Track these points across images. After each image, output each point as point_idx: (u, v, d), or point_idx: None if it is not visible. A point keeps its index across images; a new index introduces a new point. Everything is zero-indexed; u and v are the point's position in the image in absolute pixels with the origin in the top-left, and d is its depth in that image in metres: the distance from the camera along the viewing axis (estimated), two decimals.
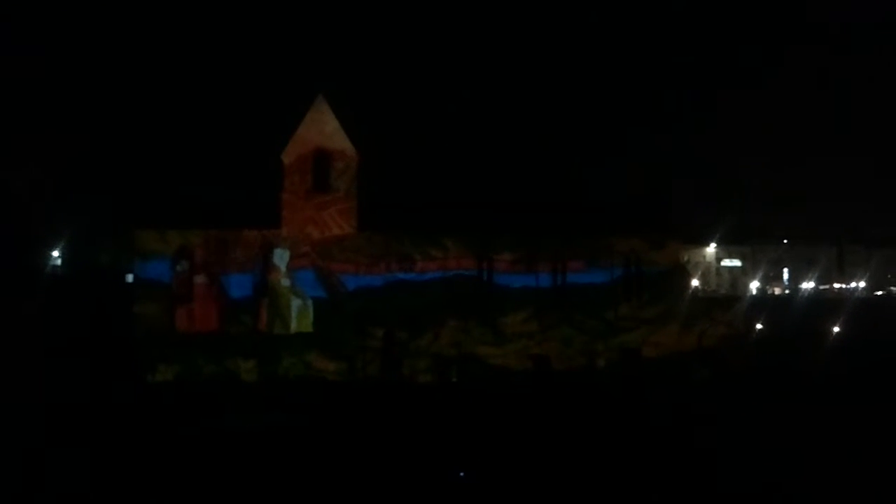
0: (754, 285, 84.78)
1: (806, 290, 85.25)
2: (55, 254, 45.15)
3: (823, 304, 56.04)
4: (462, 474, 16.61)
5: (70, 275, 42.91)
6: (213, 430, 20.43)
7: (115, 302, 30.96)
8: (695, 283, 54.51)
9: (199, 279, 29.07)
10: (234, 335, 28.69)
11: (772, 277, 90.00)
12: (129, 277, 31.76)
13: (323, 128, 30.10)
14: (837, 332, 39.21)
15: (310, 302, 29.32)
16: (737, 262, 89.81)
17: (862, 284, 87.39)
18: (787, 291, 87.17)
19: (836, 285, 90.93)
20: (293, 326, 29.08)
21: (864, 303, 61.39)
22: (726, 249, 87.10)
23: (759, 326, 35.26)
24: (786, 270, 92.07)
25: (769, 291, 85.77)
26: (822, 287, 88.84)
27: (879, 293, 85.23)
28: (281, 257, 29.41)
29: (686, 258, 53.56)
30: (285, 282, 29.29)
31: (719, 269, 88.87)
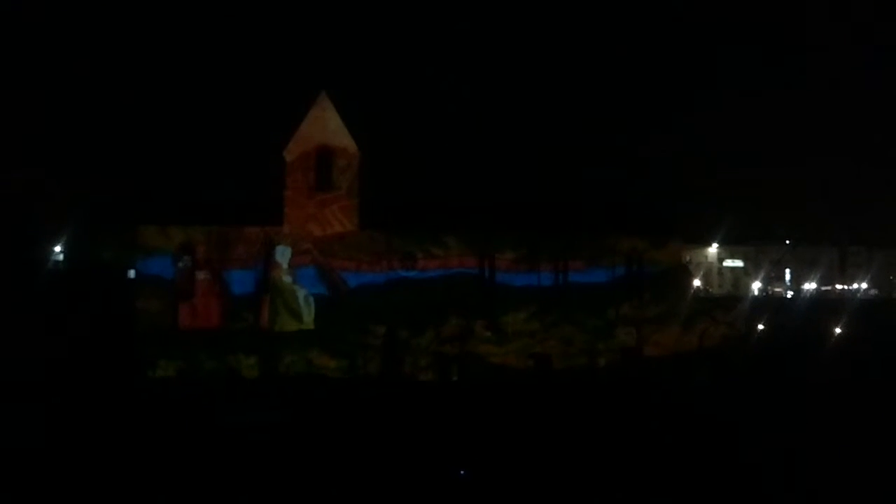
0: (756, 286, 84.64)
1: (808, 290, 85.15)
2: (57, 250, 45.18)
3: (825, 305, 55.94)
4: (462, 472, 16.62)
5: (72, 271, 42.92)
6: (214, 426, 20.46)
7: (118, 298, 30.99)
8: (696, 283, 54.47)
9: (201, 275, 29.12)
10: (236, 332, 28.72)
11: (774, 278, 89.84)
12: (132, 273, 31.79)
13: (325, 125, 30.12)
14: (839, 333, 39.15)
15: (311, 299, 29.36)
16: (739, 263, 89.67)
17: (864, 285, 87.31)
18: (788, 292, 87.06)
19: (838, 286, 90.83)
20: (305, 318, 29.11)
21: (866, 304, 61.29)
22: (728, 249, 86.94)
23: (760, 327, 35.28)
24: (788, 271, 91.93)
25: (771, 292, 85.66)
26: (824, 288, 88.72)
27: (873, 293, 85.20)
28: (283, 254, 29.45)
29: (688, 258, 53.56)
30: (287, 278, 29.33)
31: (721, 270, 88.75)
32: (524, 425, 21.16)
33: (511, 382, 28.03)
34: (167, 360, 27.78)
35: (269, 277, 29.30)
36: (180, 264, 29.38)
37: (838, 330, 39.52)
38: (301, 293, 29.29)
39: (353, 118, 30.69)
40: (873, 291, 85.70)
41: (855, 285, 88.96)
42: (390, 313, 29.10)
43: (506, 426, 20.94)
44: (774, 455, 18.35)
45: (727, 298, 54.64)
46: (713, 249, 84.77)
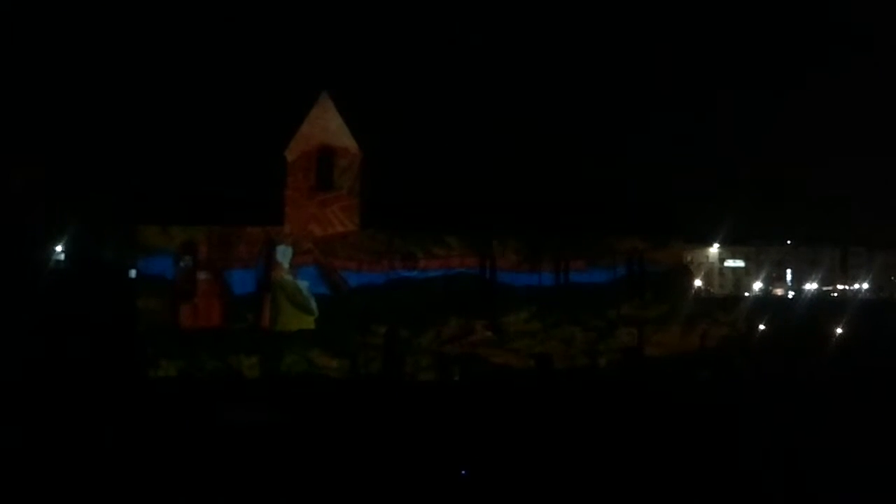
0: (757, 286, 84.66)
1: (809, 291, 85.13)
2: (58, 249, 45.23)
3: (826, 306, 55.94)
4: (464, 472, 16.61)
5: (73, 270, 42.97)
6: (215, 427, 20.45)
7: (118, 297, 31.00)
8: (698, 283, 54.44)
9: (202, 275, 29.08)
10: (237, 331, 28.69)
11: (775, 278, 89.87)
12: (132, 273, 31.79)
13: (326, 125, 30.09)
14: (840, 334, 39.15)
15: (312, 299, 29.35)
16: (740, 263, 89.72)
17: (865, 286, 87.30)
18: (790, 292, 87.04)
19: (840, 287, 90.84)
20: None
21: (866, 305, 61.28)
22: (729, 250, 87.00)
23: (761, 327, 35.25)
24: (789, 271, 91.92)
25: (772, 292, 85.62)
26: (825, 288, 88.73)
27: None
28: (284, 254, 29.43)
29: (689, 258, 53.50)
30: (288, 278, 29.32)
31: (722, 270, 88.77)
32: (525, 425, 21.15)
33: (512, 382, 28.02)
34: (168, 359, 27.74)
35: (271, 277, 29.30)
36: (181, 264, 29.36)
37: (839, 330, 39.53)
38: (304, 285, 29.30)
39: (355, 118, 30.69)
40: (882, 293, 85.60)
41: (856, 286, 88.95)
42: (391, 313, 29.07)
43: (507, 426, 20.93)
44: (775, 455, 18.34)
45: (728, 299, 54.63)
46: (714, 249, 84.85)
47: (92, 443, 18.65)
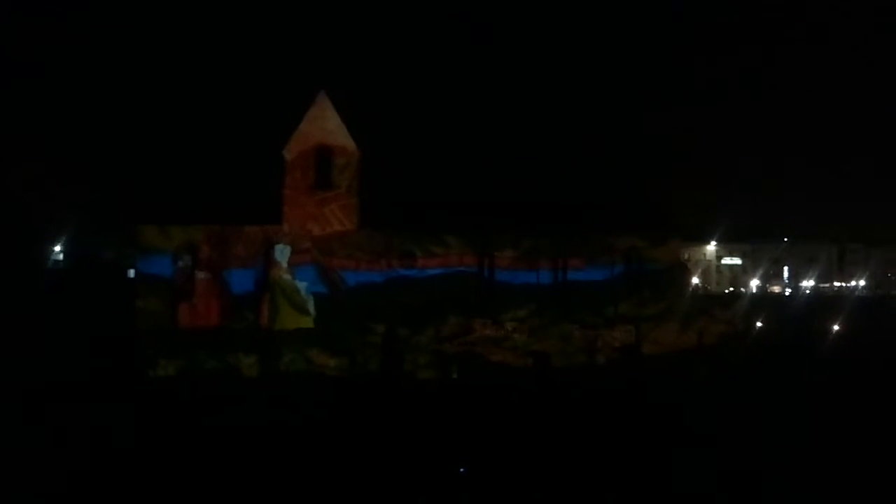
0: (754, 283, 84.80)
1: (806, 288, 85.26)
2: (57, 248, 45.27)
3: (823, 303, 56.06)
4: (462, 470, 16.69)
5: (72, 269, 43.00)
6: (214, 426, 20.52)
7: (117, 297, 31.05)
8: (695, 280, 54.55)
9: (201, 275, 29.16)
10: (236, 331, 28.77)
11: (772, 275, 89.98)
12: (131, 273, 31.86)
13: (324, 124, 30.15)
14: (837, 331, 39.26)
15: (311, 296, 29.43)
16: (737, 260, 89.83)
17: (862, 283, 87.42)
18: (787, 289, 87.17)
19: (837, 284, 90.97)
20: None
21: (864, 301, 61.40)
22: (727, 247, 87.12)
23: (758, 324, 35.35)
24: (786, 268, 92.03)
25: (769, 289, 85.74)
26: (822, 285, 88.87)
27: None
28: (282, 253, 29.50)
29: (686, 256, 53.65)
30: (287, 277, 29.40)
31: (720, 267, 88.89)
32: (524, 423, 21.23)
33: (510, 380, 28.10)
34: (167, 359, 27.78)
35: (269, 276, 29.37)
36: (180, 263, 29.44)
37: (836, 327, 39.64)
38: (302, 286, 29.39)
39: (353, 117, 30.77)
40: (879, 290, 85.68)
41: (853, 282, 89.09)
42: (390, 312, 29.15)
43: (505, 424, 21.01)
44: (772, 453, 18.42)
45: (726, 296, 54.76)
46: (712, 247, 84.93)
47: (92, 443, 18.71)
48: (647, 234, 31.44)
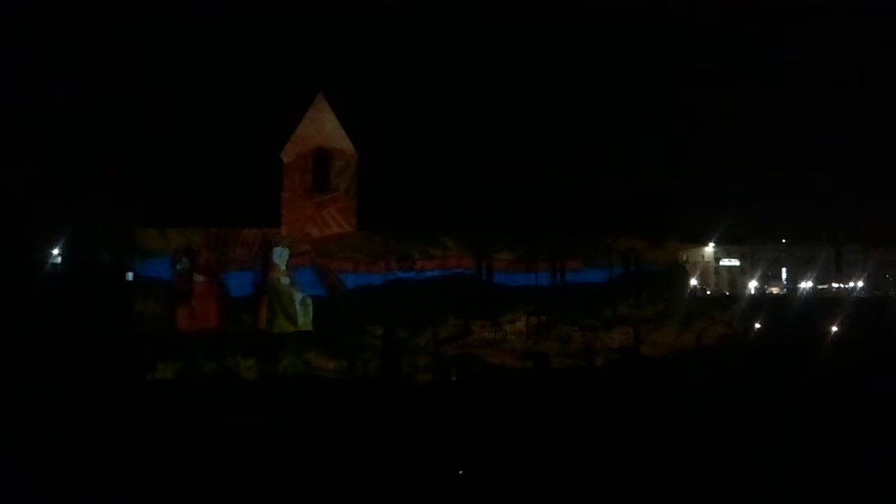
0: (753, 285, 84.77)
1: (804, 289, 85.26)
2: (56, 252, 45.21)
3: (821, 304, 56.02)
4: (461, 472, 16.69)
5: (70, 272, 42.94)
6: (213, 428, 20.50)
7: (116, 300, 31.01)
8: (693, 282, 54.56)
9: (200, 277, 29.13)
10: (234, 333, 28.74)
11: (770, 277, 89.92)
12: (130, 275, 31.81)
13: (322, 127, 30.15)
14: (835, 332, 39.25)
15: (309, 300, 29.41)
16: (735, 262, 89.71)
17: (860, 284, 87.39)
18: (785, 291, 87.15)
19: (835, 285, 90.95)
20: (301, 322, 29.18)
21: (861, 303, 61.37)
22: (725, 249, 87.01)
23: (757, 326, 35.35)
24: (784, 270, 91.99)
25: (767, 291, 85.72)
26: (820, 287, 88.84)
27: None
28: (280, 256, 29.47)
29: (685, 257, 53.63)
30: (285, 280, 29.38)
31: (718, 269, 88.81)
32: (522, 425, 21.22)
33: (509, 382, 28.09)
34: (165, 362, 27.81)
35: (267, 279, 29.35)
36: (178, 266, 29.40)
37: (834, 328, 39.63)
38: (298, 296, 29.35)
39: (351, 119, 30.76)
40: (877, 291, 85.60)
41: (851, 284, 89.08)
42: (388, 314, 29.15)
43: (504, 426, 21.01)
44: (771, 452, 18.43)
45: (724, 297, 54.75)
46: (710, 249, 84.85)
47: (91, 444, 18.69)
48: (645, 235, 31.43)
